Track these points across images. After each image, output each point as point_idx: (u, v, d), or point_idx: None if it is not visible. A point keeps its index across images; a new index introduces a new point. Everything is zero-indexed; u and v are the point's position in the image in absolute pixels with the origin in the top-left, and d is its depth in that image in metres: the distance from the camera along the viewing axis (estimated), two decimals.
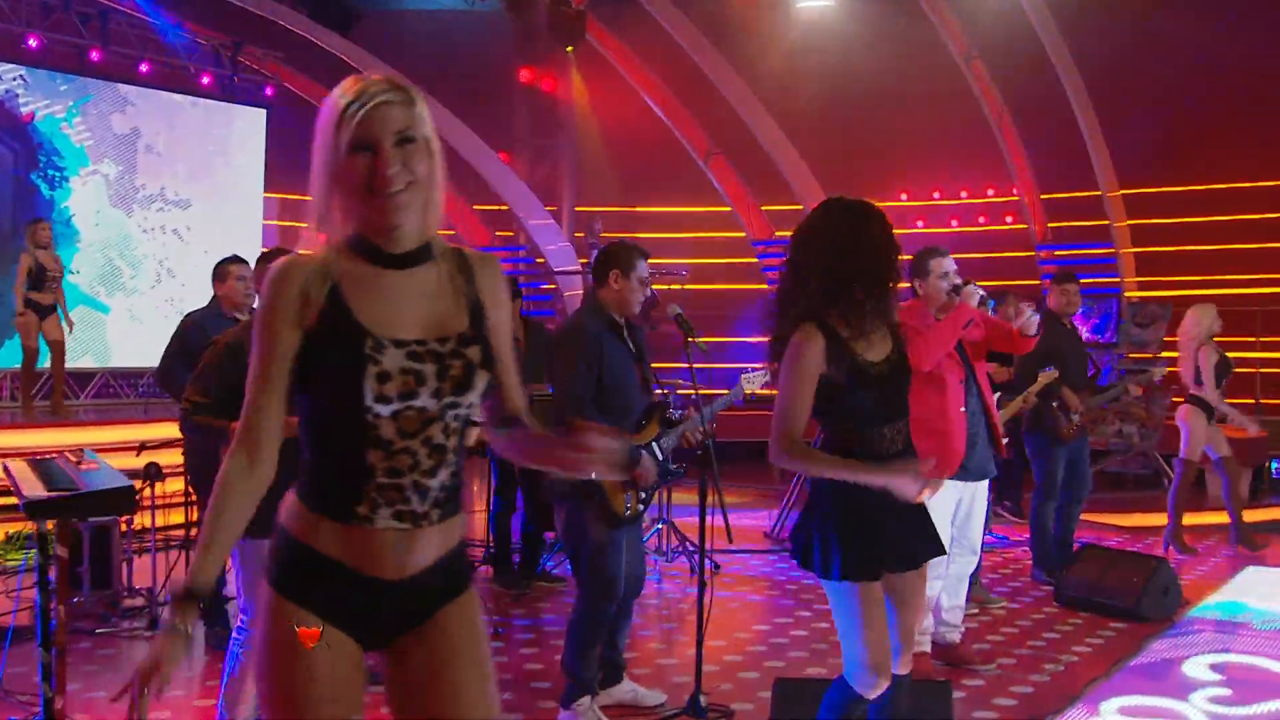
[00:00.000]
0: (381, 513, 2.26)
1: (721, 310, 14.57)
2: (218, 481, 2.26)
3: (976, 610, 6.73)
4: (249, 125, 14.74)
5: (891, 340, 3.51)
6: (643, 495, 4.78)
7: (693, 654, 4.87)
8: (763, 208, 17.13)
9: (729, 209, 17.03)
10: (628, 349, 4.91)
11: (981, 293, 5.36)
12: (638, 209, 17.31)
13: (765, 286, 16.47)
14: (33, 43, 12.69)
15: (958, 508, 5.52)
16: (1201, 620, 6.66)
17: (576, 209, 17.65)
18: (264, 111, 14.80)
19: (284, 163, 14.96)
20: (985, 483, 5.68)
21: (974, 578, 6.95)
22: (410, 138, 2.24)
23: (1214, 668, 5.70)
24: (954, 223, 16.74)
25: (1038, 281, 13.68)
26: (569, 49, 16.06)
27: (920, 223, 16.85)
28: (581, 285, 17.01)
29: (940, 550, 3.62)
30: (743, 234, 16.91)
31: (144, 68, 13.60)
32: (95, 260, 13.63)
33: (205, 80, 14.13)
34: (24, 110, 13.21)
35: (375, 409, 2.22)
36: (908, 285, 5.62)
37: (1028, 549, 7.86)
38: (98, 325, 13.58)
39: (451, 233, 17.69)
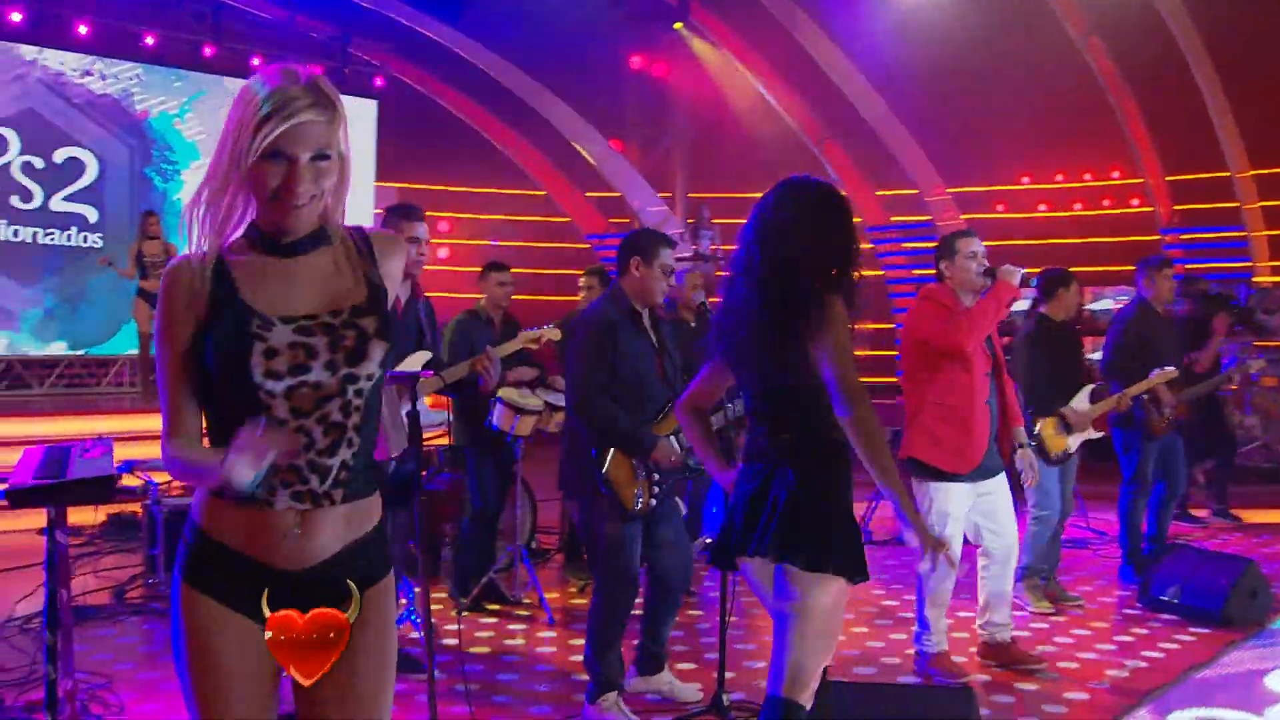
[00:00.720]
0: (280, 494, 2.26)
1: None
2: (181, 460, 2.31)
3: (1053, 609, 6.46)
4: (359, 116, 14.94)
5: None
6: (656, 489, 4.66)
7: (752, 648, 4.75)
8: (877, 193, 16.81)
9: (843, 194, 16.71)
10: (648, 339, 4.80)
11: (1023, 271, 5.14)
12: (752, 195, 17.07)
13: (881, 272, 16.18)
14: (149, 40, 13.08)
15: (974, 507, 5.30)
16: None
17: (689, 195, 17.53)
18: (374, 102, 15.01)
19: (395, 152, 15.21)
20: (1002, 477, 5.42)
21: (1050, 575, 6.68)
22: (325, 154, 2.25)
23: None
24: (1077, 206, 16.19)
25: None
26: (677, 25, 15.88)
27: (1043, 206, 16.34)
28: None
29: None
30: (857, 220, 16.57)
31: (255, 61, 13.89)
32: None
33: (316, 73, 14.35)
34: (139, 108, 13.73)
35: (266, 385, 2.22)
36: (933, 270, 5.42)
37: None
38: None
39: (566, 220, 17.75)
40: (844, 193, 3.38)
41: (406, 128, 15.31)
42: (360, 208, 14.83)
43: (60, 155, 13.27)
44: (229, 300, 2.26)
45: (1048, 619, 6.34)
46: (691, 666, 5.48)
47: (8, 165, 12.87)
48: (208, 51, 13.41)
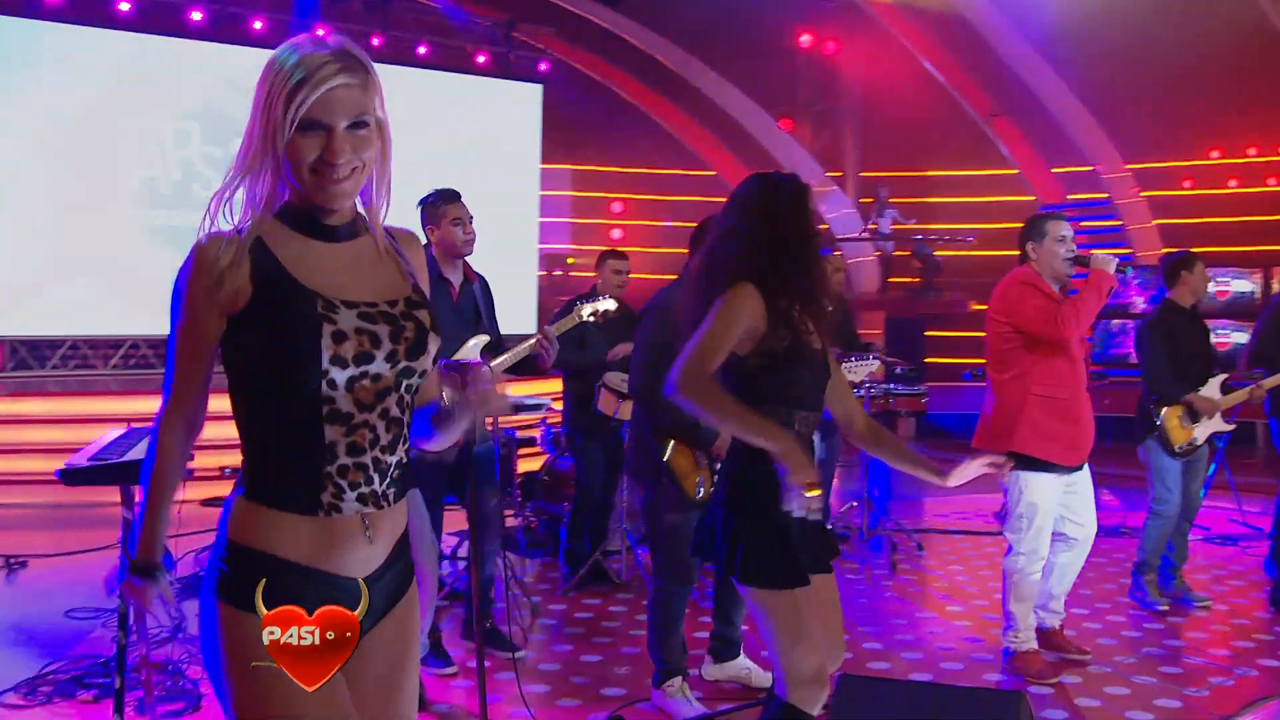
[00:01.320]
0: (347, 497, 2.14)
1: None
2: (157, 452, 2.22)
3: (1168, 607, 6.17)
4: (525, 100, 15.19)
5: (822, 333, 3.24)
6: (718, 478, 4.64)
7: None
8: (1053, 170, 16.23)
9: (1015, 172, 16.24)
10: None
11: (1117, 259, 4.90)
12: (926, 173, 16.79)
13: None
14: (320, 32, 13.57)
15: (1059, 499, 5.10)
16: None
17: (861, 175, 17.26)
18: (539, 87, 15.22)
19: (565, 135, 15.42)
20: (1087, 468, 5.19)
21: (1174, 571, 6.38)
22: (364, 122, 2.13)
23: None
24: (1271, 181, 15.29)
25: None
26: None
27: (1233, 182, 15.49)
28: (874, 252, 16.71)
29: (837, 552, 3.40)
30: (1031, 198, 16.02)
31: (421, 49, 14.28)
32: None
33: (481, 59, 14.68)
34: None
35: (331, 373, 2.09)
36: (1018, 252, 5.20)
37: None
38: None
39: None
40: (797, 184, 3.27)
41: (572, 110, 15.48)
42: (528, 191, 15.11)
43: (238, 144, 13.85)
44: (279, 279, 2.12)
45: (1164, 619, 6.06)
46: None
47: (190, 156, 13.57)
48: (376, 42, 13.83)
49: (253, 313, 2.11)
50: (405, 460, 2.24)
